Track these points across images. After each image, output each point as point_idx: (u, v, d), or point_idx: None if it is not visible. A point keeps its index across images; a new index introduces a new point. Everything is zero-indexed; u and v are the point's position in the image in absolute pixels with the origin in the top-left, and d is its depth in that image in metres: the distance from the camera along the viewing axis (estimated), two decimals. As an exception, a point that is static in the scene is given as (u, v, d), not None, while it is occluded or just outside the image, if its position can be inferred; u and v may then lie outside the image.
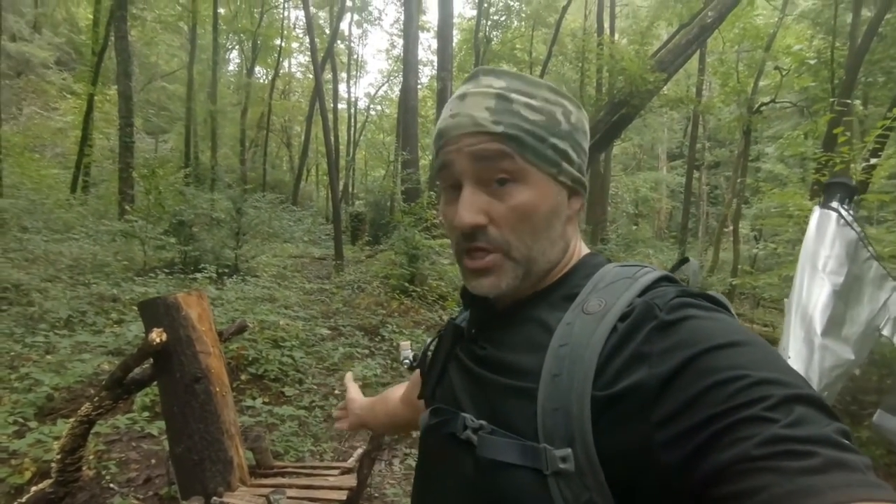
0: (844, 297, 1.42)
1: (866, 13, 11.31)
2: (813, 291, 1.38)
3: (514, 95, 0.55)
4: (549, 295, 0.58)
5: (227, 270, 6.58)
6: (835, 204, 1.47)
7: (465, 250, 0.57)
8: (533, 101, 0.56)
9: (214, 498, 2.03)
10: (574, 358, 0.47)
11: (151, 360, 2.26)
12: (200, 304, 2.33)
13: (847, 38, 11.79)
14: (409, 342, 0.97)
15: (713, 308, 0.48)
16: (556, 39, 14.66)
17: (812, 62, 9.54)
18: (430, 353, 0.72)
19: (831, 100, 7.75)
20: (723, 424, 0.38)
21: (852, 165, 6.22)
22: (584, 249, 0.63)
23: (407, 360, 0.86)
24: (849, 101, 7.82)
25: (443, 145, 0.58)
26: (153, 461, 2.91)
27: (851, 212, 1.50)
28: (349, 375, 1.15)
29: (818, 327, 1.34)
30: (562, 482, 0.45)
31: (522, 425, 0.49)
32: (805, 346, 1.32)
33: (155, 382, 2.49)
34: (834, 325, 1.35)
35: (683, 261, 0.61)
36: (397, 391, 0.96)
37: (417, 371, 0.79)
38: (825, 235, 1.46)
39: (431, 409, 0.62)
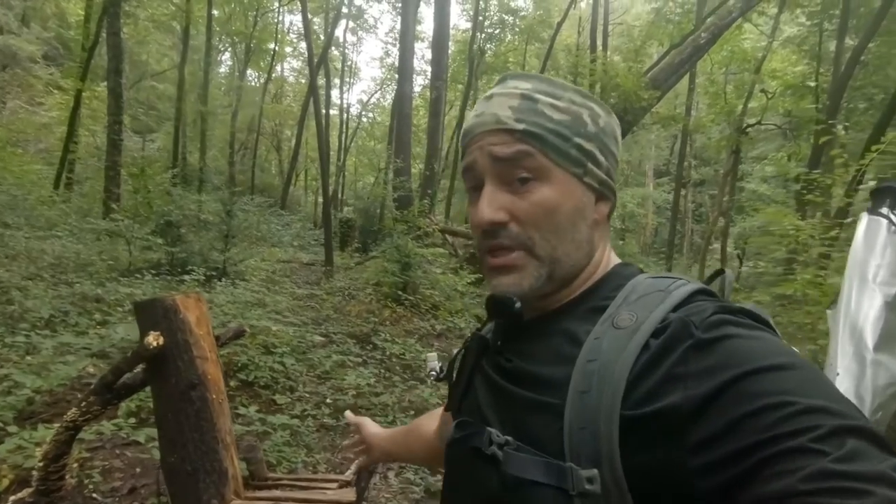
0: None
1: (849, 41, 11.69)
2: (863, 304, 1.33)
3: (538, 96, 0.55)
4: (577, 306, 0.56)
5: (215, 273, 6.44)
6: (884, 210, 1.41)
7: (489, 249, 0.56)
8: (558, 102, 0.56)
9: (209, 511, 1.94)
10: (603, 375, 0.45)
11: (144, 364, 2.18)
12: (199, 307, 2.25)
13: (831, 65, 12.17)
14: (435, 353, 0.92)
15: (755, 326, 0.45)
16: (549, 54, 14.84)
17: (812, 84, 9.78)
18: (456, 365, 0.70)
19: (826, 123, 7.95)
20: (766, 454, 0.36)
21: (836, 189, 6.36)
22: (615, 259, 0.61)
23: (434, 373, 0.82)
24: (835, 125, 8.02)
25: (467, 144, 0.58)
26: (138, 470, 2.79)
27: None
28: (349, 414, 1.09)
29: (870, 342, 1.29)
30: (588, 503, 0.43)
31: (548, 442, 0.47)
32: (855, 362, 1.27)
33: (146, 388, 2.39)
34: (888, 339, 1.29)
35: (718, 272, 0.58)
36: (430, 423, 0.90)
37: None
38: (875, 244, 1.39)
39: (457, 422, 0.61)
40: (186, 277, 5.47)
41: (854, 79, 11.37)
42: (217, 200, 8.77)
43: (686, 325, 0.44)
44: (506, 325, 0.62)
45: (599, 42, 14.42)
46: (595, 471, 0.43)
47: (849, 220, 4.11)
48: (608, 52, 14.72)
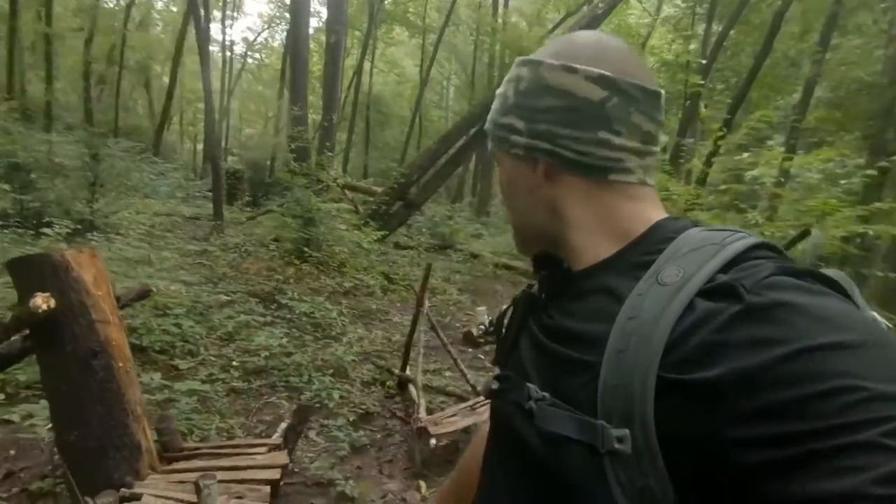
0: None
1: (716, 27, 13.04)
2: None
3: (497, 91, 0.62)
4: (618, 261, 0.54)
5: (81, 227, 5.57)
6: None
7: None
8: (499, 90, 0.61)
9: (124, 490, 1.75)
10: (642, 333, 0.43)
11: (27, 330, 1.84)
12: (94, 263, 1.94)
13: (700, 46, 13.52)
14: (485, 307, 0.88)
15: (822, 291, 0.40)
16: (452, 9, 14.57)
17: (700, 62, 10.77)
18: (505, 321, 0.69)
19: (702, 91, 8.84)
20: (828, 444, 0.32)
21: (695, 160, 7.24)
22: (657, 214, 0.57)
23: (482, 327, 0.80)
24: (705, 100, 9.00)
25: None
26: (13, 452, 2.41)
27: None
28: None
29: None
30: (617, 464, 0.42)
31: (582, 399, 0.46)
32: None
33: (27, 358, 2.05)
34: None
35: (805, 232, 0.60)
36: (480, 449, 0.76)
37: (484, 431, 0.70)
38: None
39: (498, 374, 0.61)
40: (48, 231, 4.66)
41: (717, 62, 12.73)
42: (74, 142, 7.50)
43: (733, 287, 0.40)
44: (551, 280, 0.61)
45: (501, 1, 14.46)
46: (626, 431, 0.41)
47: (722, 187, 4.68)
48: (509, 12, 14.84)
